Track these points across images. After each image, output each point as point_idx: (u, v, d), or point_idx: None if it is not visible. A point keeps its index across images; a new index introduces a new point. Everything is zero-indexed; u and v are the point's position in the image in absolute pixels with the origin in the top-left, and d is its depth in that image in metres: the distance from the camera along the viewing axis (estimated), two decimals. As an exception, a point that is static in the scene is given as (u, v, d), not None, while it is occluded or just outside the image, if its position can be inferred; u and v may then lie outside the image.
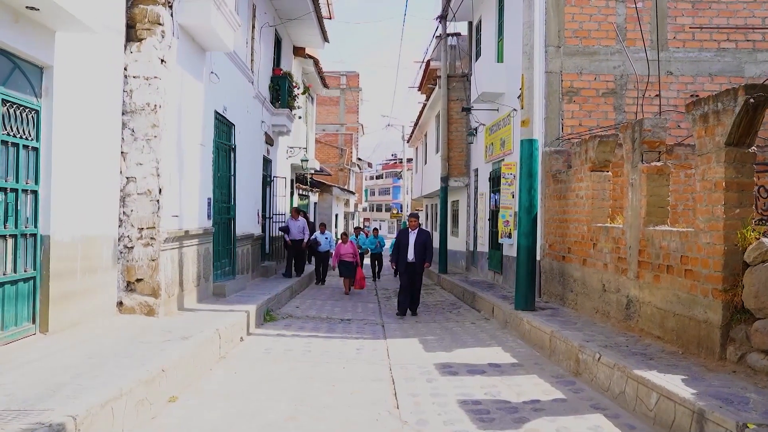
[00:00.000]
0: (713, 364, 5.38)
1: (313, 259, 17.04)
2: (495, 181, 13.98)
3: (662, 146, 7.23)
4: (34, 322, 5.87)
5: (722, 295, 5.41)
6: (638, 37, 9.96)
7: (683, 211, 9.10)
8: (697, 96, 9.32)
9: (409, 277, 10.77)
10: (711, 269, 5.56)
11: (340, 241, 15.19)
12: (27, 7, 5.19)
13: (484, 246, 15.28)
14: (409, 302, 10.84)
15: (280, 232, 15.43)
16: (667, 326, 6.38)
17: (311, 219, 23.10)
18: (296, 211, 15.38)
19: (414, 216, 11.35)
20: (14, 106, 5.50)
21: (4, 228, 5.42)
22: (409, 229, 11.01)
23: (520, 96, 9.51)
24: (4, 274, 5.42)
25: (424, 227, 18.05)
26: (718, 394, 4.44)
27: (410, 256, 10.76)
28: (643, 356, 5.77)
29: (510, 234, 12.02)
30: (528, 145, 9.06)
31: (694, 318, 5.85)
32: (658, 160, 7.12)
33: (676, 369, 5.24)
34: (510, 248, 12.19)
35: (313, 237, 15.77)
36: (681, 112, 9.80)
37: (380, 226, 58.64)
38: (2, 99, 5.31)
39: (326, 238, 15.99)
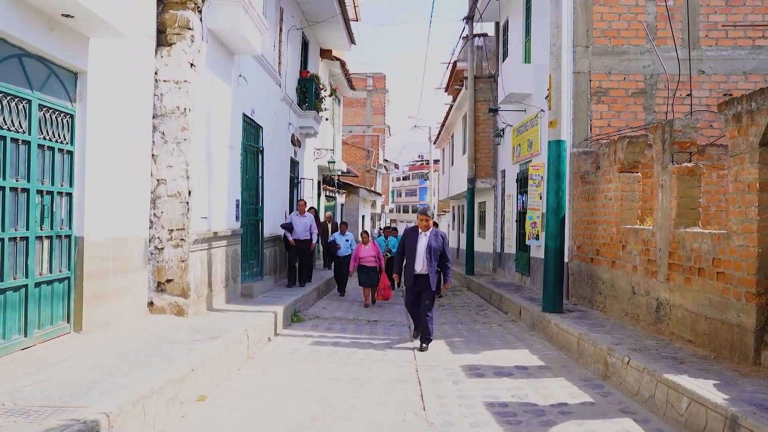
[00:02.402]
0: (747, 369, 5.26)
1: (332, 264, 14.52)
2: (522, 182, 13.87)
3: (693, 147, 7.11)
4: (68, 321, 6.01)
5: (756, 299, 5.29)
6: (669, 35, 9.80)
7: (715, 212, 8.92)
8: (730, 95, 9.14)
9: (417, 295, 8.03)
10: (744, 272, 5.45)
11: (360, 242, 12.67)
12: (62, 14, 5.33)
13: (511, 248, 15.18)
14: (415, 329, 8.38)
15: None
16: (698, 330, 6.27)
17: (338, 219, 23.02)
18: (303, 204, 12.60)
19: (425, 213, 8.17)
20: (50, 111, 5.65)
21: (41, 229, 5.57)
22: (420, 230, 8.02)
23: (547, 97, 9.43)
24: (40, 275, 5.57)
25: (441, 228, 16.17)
26: (751, 400, 4.35)
27: (419, 266, 7.90)
28: (673, 360, 5.68)
29: (537, 236, 11.92)
30: (556, 146, 8.98)
31: (726, 322, 5.74)
32: (689, 161, 7.00)
33: (708, 373, 5.15)
34: (537, 250, 12.09)
35: (331, 239, 13.75)
36: (713, 111, 9.61)
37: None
38: (39, 104, 5.46)
39: (347, 241, 13.53)
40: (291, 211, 13.97)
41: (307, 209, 12.85)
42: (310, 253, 12.57)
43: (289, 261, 12.36)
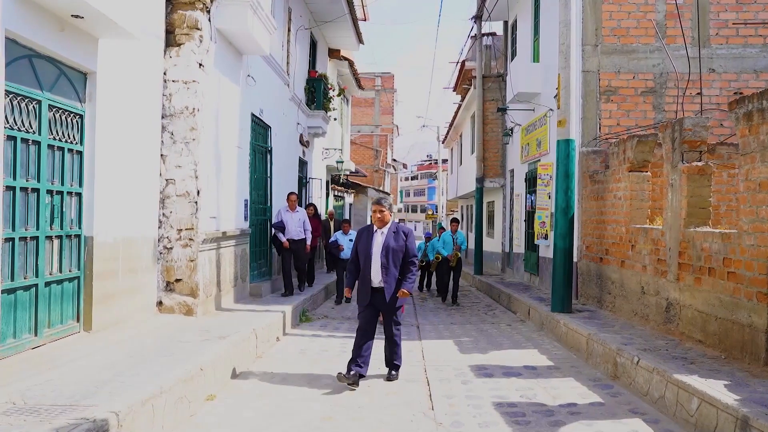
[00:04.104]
0: (758, 369, 5.22)
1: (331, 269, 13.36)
2: (531, 181, 13.83)
3: (703, 146, 7.06)
4: (78, 320, 6.05)
5: (767, 299, 5.25)
6: (678, 34, 9.73)
7: (726, 212, 8.85)
8: (741, 93, 9.06)
9: (373, 314, 6.03)
10: (755, 272, 5.40)
11: None
12: (72, 15, 5.36)
13: (519, 247, 15.13)
14: (352, 361, 5.91)
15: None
16: (708, 330, 6.22)
17: (343, 216, 22.76)
18: (295, 198, 10.79)
19: (379, 203, 6.10)
20: (60, 111, 5.68)
21: (50, 229, 5.60)
22: (375, 228, 6.10)
23: (556, 96, 9.39)
24: (50, 274, 5.60)
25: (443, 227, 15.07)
26: (763, 401, 4.31)
27: (375, 276, 5.96)
28: (683, 360, 5.64)
29: (546, 235, 11.88)
30: (564, 146, 8.95)
31: (737, 322, 5.69)
32: (700, 160, 6.95)
33: (719, 374, 5.11)
34: (546, 250, 12.05)
35: (333, 239, 12.32)
36: (724, 110, 9.53)
37: (415, 228, 58.16)
38: (49, 104, 5.49)
39: (351, 241, 11.59)
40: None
41: (306, 206, 11.52)
42: (304, 255, 10.75)
43: (284, 266, 10.50)
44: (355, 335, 6.07)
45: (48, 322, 5.58)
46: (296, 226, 10.53)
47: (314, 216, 12.59)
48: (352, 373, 5.76)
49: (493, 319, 10.54)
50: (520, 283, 14.20)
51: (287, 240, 10.42)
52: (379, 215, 6.04)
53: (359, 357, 5.87)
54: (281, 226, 10.48)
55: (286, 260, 10.47)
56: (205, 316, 7.76)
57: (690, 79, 9.38)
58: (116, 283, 6.53)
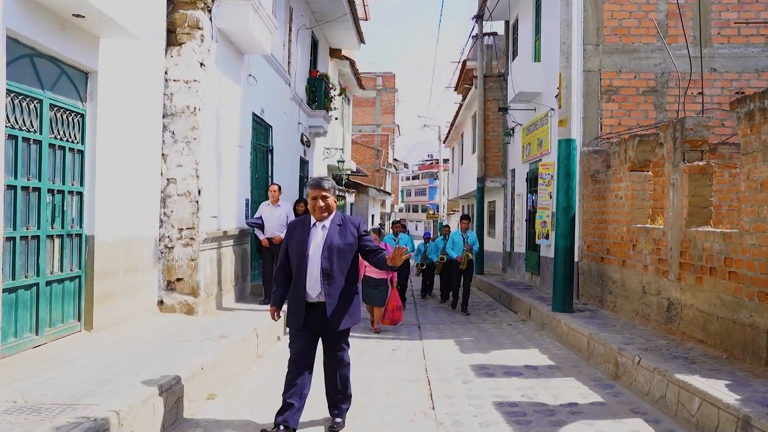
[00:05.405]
0: (759, 369, 5.21)
1: None
2: (532, 181, 13.82)
3: (705, 145, 7.04)
4: (79, 319, 6.05)
5: (769, 299, 5.24)
6: (680, 33, 9.72)
7: (727, 211, 8.84)
8: (742, 93, 9.06)
9: (310, 341, 4.46)
10: (757, 271, 5.39)
11: None
12: (73, 14, 5.36)
13: (521, 247, 15.13)
14: (284, 411, 4.34)
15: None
16: (710, 330, 6.21)
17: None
18: (277, 190, 9.05)
19: (320, 185, 4.51)
20: (61, 111, 5.68)
21: (51, 228, 5.60)
22: (313, 221, 4.53)
23: (557, 95, 9.39)
24: (51, 273, 5.61)
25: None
26: (764, 401, 4.30)
27: (313, 287, 4.34)
28: (684, 360, 5.63)
29: (547, 235, 11.87)
30: (566, 145, 8.94)
31: (738, 322, 5.68)
32: (701, 160, 6.94)
33: (720, 374, 5.10)
34: (547, 249, 12.04)
35: None
36: (725, 110, 9.53)
37: (416, 228, 58.10)
38: (50, 104, 5.50)
39: None
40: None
41: (296, 202, 9.58)
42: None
43: (264, 268, 9.07)
44: (291, 376, 4.40)
45: (49, 321, 5.59)
46: (277, 222, 8.83)
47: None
48: (280, 427, 4.23)
49: (494, 319, 10.54)
50: (521, 282, 14.20)
51: (266, 238, 8.87)
52: (321, 203, 4.41)
53: (291, 398, 4.32)
54: (259, 223, 8.94)
55: (266, 261, 8.96)
56: (206, 315, 7.76)
57: (691, 78, 9.37)
58: (117, 282, 6.54)
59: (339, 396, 4.65)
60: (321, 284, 4.32)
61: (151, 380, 4.49)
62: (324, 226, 4.46)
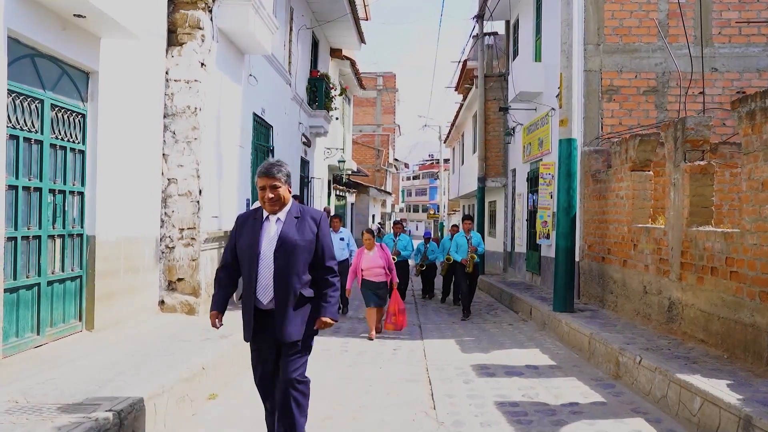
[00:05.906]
0: (761, 369, 5.21)
1: None
2: (533, 181, 13.82)
3: (706, 145, 7.04)
4: (80, 319, 6.06)
5: (770, 298, 5.24)
6: (681, 33, 9.71)
7: (728, 211, 8.83)
8: (743, 92, 9.05)
9: (266, 352, 3.95)
10: (758, 271, 5.38)
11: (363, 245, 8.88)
12: (74, 15, 5.36)
13: (521, 247, 15.13)
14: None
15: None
16: (711, 330, 6.21)
17: (348, 219, 22.55)
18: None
19: (270, 172, 3.70)
20: (62, 111, 5.69)
21: (53, 228, 5.60)
22: (265, 214, 3.79)
23: (558, 95, 9.38)
24: (52, 273, 5.61)
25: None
26: (765, 400, 4.30)
27: (264, 292, 3.70)
28: (686, 360, 5.63)
29: (548, 235, 11.87)
30: (566, 145, 8.94)
31: (740, 321, 5.68)
32: (702, 159, 6.93)
33: (721, 374, 5.10)
34: (548, 249, 12.04)
35: None
36: (726, 109, 9.51)
37: (416, 228, 58.09)
38: (51, 104, 5.50)
39: (342, 240, 10.25)
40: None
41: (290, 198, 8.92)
42: None
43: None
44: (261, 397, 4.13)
45: (50, 321, 5.59)
46: None
47: None
48: None
49: (495, 319, 10.54)
50: (522, 282, 14.19)
51: None
52: (269, 194, 3.69)
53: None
54: None
55: None
56: (207, 315, 7.76)
57: (692, 78, 9.36)
58: (118, 282, 6.54)
59: None
60: (272, 288, 3.67)
61: (152, 380, 4.49)
62: (279, 219, 3.75)
